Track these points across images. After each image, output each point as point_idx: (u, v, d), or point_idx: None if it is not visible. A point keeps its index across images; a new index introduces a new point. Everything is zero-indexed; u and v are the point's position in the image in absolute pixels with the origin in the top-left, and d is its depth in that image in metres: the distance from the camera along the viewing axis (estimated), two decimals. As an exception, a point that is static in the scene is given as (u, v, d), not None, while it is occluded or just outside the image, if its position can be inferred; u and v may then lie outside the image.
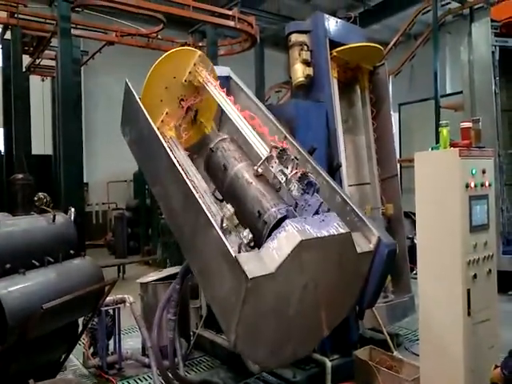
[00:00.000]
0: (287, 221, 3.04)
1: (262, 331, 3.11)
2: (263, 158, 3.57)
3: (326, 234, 3.03)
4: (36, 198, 6.33)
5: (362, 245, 3.33)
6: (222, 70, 4.89)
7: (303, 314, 3.22)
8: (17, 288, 3.26)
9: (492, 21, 8.31)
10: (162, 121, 4.21)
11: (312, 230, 2.99)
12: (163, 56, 4.21)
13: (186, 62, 4.30)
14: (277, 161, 3.52)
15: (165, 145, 3.77)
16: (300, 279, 3.04)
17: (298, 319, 3.21)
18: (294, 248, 2.86)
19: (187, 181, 3.45)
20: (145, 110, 4.01)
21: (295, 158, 3.54)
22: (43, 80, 15.38)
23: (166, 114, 4.22)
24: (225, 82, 4.78)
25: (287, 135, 4.15)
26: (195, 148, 4.57)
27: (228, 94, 4.41)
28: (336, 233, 3.09)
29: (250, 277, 2.71)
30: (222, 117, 4.78)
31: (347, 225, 3.32)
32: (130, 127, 4.57)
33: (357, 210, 3.56)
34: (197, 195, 3.35)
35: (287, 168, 3.48)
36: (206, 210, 3.21)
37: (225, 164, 3.85)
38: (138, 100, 4.15)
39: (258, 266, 2.80)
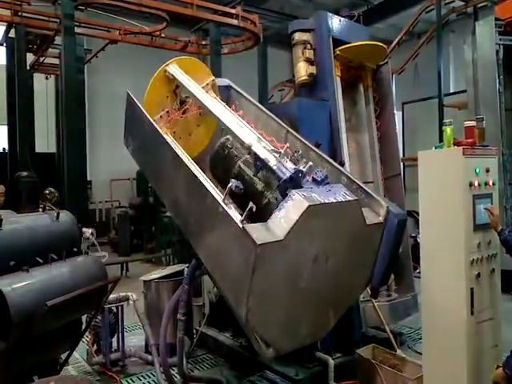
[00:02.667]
0: (293, 191, 2.99)
1: (273, 306, 3.05)
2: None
3: (334, 200, 3.00)
4: (47, 192, 6.38)
5: (372, 218, 3.27)
6: (222, 81, 5.04)
7: (315, 290, 3.17)
8: (21, 285, 3.27)
9: (496, 19, 8.28)
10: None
11: (319, 197, 2.95)
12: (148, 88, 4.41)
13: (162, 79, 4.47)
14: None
15: (166, 138, 3.86)
16: (309, 250, 2.99)
17: (310, 295, 3.16)
18: (301, 214, 2.79)
19: (190, 165, 3.48)
20: (146, 113, 4.14)
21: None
22: (47, 78, 15.40)
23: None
24: (225, 91, 4.94)
25: (289, 129, 4.17)
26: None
27: (228, 102, 4.62)
28: (344, 200, 3.05)
29: (258, 243, 2.65)
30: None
31: None
32: (132, 136, 4.67)
33: (363, 186, 3.53)
34: (200, 176, 3.36)
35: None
36: (209, 188, 3.22)
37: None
38: (139, 104, 4.27)
39: (266, 234, 2.75)
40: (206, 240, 3.57)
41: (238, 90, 4.95)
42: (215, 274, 3.54)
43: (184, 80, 4.37)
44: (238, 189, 3.33)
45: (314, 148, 3.98)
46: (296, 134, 4.13)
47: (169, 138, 3.94)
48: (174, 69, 4.47)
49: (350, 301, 3.62)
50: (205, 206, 3.33)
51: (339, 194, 3.09)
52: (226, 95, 5.02)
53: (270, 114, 4.39)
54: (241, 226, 2.81)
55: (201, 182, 3.32)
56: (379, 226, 3.29)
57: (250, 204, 3.14)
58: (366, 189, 3.51)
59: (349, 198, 3.10)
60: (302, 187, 3.24)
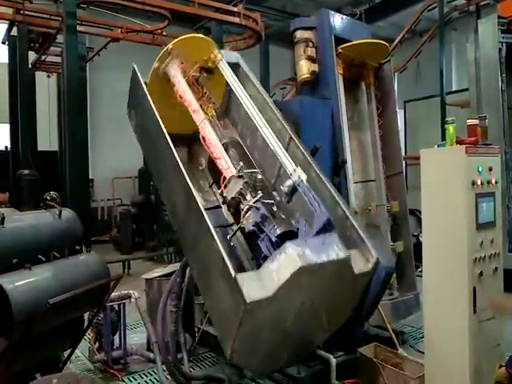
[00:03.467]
0: (288, 242, 3.01)
1: (257, 346, 3.20)
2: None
3: (326, 259, 3.02)
4: (48, 198, 6.36)
5: (360, 264, 3.31)
6: (231, 56, 4.73)
7: (299, 328, 3.26)
8: (23, 283, 3.27)
9: (499, 17, 8.24)
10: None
11: (312, 255, 2.97)
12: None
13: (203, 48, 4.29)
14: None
15: (169, 142, 3.74)
16: (297, 299, 3.06)
17: (293, 333, 3.26)
18: (293, 273, 2.86)
19: (190, 184, 3.45)
20: (153, 105, 3.95)
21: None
22: (49, 76, 15.40)
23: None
24: (233, 70, 4.61)
25: (292, 136, 4.13)
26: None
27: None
28: (335, 258, 3.07)
29: (248, 301, 2.73)
30: (229, 103, 4.75)
31: (346, 240, 3.38)
32: (135, 111, 4.52)
33: (357, 227, 3.55)
34: (200, 203, 3.33)
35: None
36: (208, 222, 3.19)
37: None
38: (146, 90, 4.09)
39: (257, 289, 2.82)
40: (198, 262, 3.62)
41: (247, 72, 4.69)
42: (205, 299, 3.67)
43: (234, 80, 4.30)
44: (264, 215, 3.32)
45: (314, 165, 3.90)
46: (298, 144, 4.06)
47: (169, 139, 3.81)
48: (225, 61, 4.38)
49: (332, 329, 3.66)
50: (201, 232, 3.34)
51: (332, 250, 3.09)
52: (235, 72, 4.67)
53: (276, 110, 4.32)
54: (233, 275, 2.83)
55: (200, 210, 3.27)
56: (367, 274, 3.34)
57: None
58: (359, 230, 3.51)
59: (341, 256, 3.10)
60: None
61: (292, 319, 3.12)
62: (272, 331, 3.12)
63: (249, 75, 4.65)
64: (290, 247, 2.94)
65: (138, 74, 4.25)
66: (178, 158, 3.61)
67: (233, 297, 2.87)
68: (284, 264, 2.89)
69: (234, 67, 4.65)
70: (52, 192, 6.39)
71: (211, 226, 3.15)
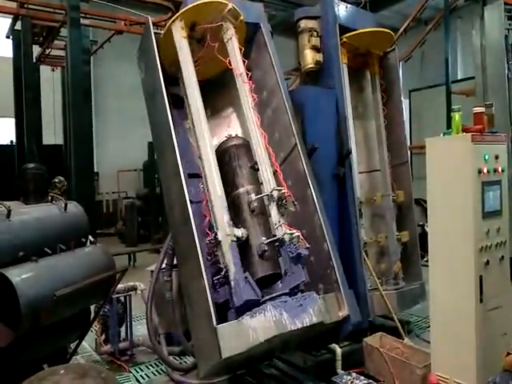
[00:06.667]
0: (269, 304, 3.30)
1: (227, 371, 3.66)
2: (262, 195, 3.71)
3: (300, 325, 3.32)
4: (57, 180, 6.44)
5: (332, 312, 3.59)
6: (253, 13, 4.37)
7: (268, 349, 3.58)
8: (30, 275, 3.29)
9: (505, 4, 8.12)
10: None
11: (287, 320, 3.28)
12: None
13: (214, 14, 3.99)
14: (274, 206, 3.65)
15: (174, 137, 3.80)
16: (269, 346, 3.36)
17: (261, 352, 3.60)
18: (266, 339, 3.22)
19: (188, 206, 3.58)
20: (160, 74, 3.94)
21: (293, 203, 3.67)
22: (53, 70, 15.41)
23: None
24: (252, 30, 4.46)
25: (298, 142, 4.16)
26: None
27: (252, 46, 4.41)
28: (309, 323, 3.37)
29: (223, 357, 3.08)
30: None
31: (325, 279, 3.73)
32: (145, 66, 4.41)
33: (336, 270, 3.77)
34: (196, 237, 3.48)
35: (283, 216, 3.66)
36: (200, 258, 3.40)
37: (233, 179, 3.93)
38: (158, 61, 4.00)
39: (232, 343, 3.14)
40: (186, 279, 3.92)
41: (267, 38, 4.39)
42: (187, 308, 3.93)
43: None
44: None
45: (311, 186, 4.00)
46: (302, 156, 4.10)
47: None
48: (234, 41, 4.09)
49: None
50: (192, 262, 3.56)
51: (307, 314, 3.38)
52: (252, 33, 4.44)
53: (287, 103, 4.32)
54: (215, 325, 3.14)
55: (196, 244, 3.47)
56: (337, 322, 3.64)
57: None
58: (338, 275, 3.76)
59: (314, 321, 3.40)
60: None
61: (261, 352, 3.46)
62: (244, 362, 3.55)
63: (267, 43, 4.43)
64: (269, 311, 3.25)
65: (151, 27, 4.16)
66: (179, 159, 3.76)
67: (211, 341, 3.17)
68: (261, 326, 3.20)
69: (254, 28, 4.40)
70: (60, 177, 6.45)
71: (202, 264, 3.39)
